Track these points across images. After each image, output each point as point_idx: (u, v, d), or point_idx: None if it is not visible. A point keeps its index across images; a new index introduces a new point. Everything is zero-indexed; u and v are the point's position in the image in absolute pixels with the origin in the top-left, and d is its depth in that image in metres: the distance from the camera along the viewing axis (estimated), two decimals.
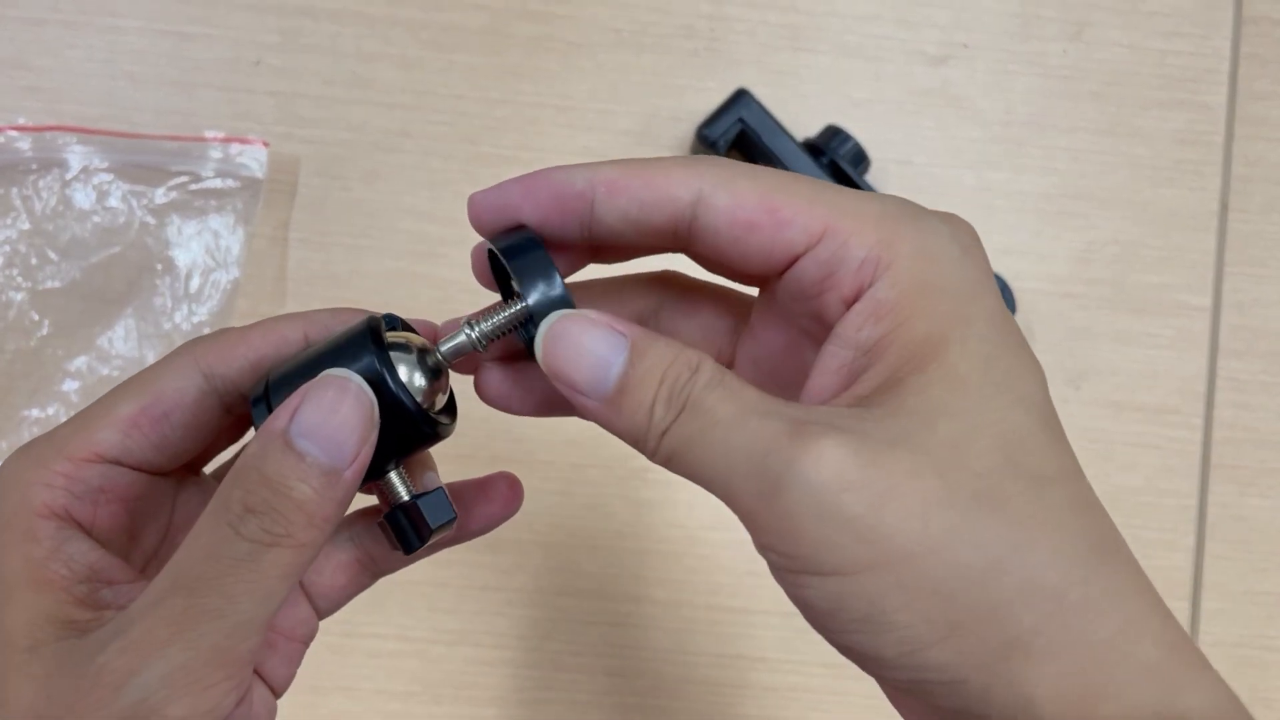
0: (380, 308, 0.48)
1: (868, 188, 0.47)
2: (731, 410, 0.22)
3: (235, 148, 0.47)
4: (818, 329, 0.24)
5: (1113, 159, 0.50)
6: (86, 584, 0.25)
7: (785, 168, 0.46)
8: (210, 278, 0.47)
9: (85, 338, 0.47)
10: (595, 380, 0.23)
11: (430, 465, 0.29)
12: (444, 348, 0.25)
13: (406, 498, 0.26)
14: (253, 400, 0.25)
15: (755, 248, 0.24)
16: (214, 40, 0.49)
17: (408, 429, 0.24)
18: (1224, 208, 0.50)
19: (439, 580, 0.47)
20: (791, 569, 0.22)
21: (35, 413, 0.46)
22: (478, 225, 0.25)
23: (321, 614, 0.29)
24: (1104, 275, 0.50)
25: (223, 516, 0.22)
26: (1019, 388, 0.22)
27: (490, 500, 0.29)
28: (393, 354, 0.24)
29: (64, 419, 0.46)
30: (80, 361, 0.47)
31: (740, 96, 0.47)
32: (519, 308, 0.24)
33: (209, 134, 0.47)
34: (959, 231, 0.24)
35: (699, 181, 0.24)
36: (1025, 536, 0.21)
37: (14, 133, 0.46)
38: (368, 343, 0.24)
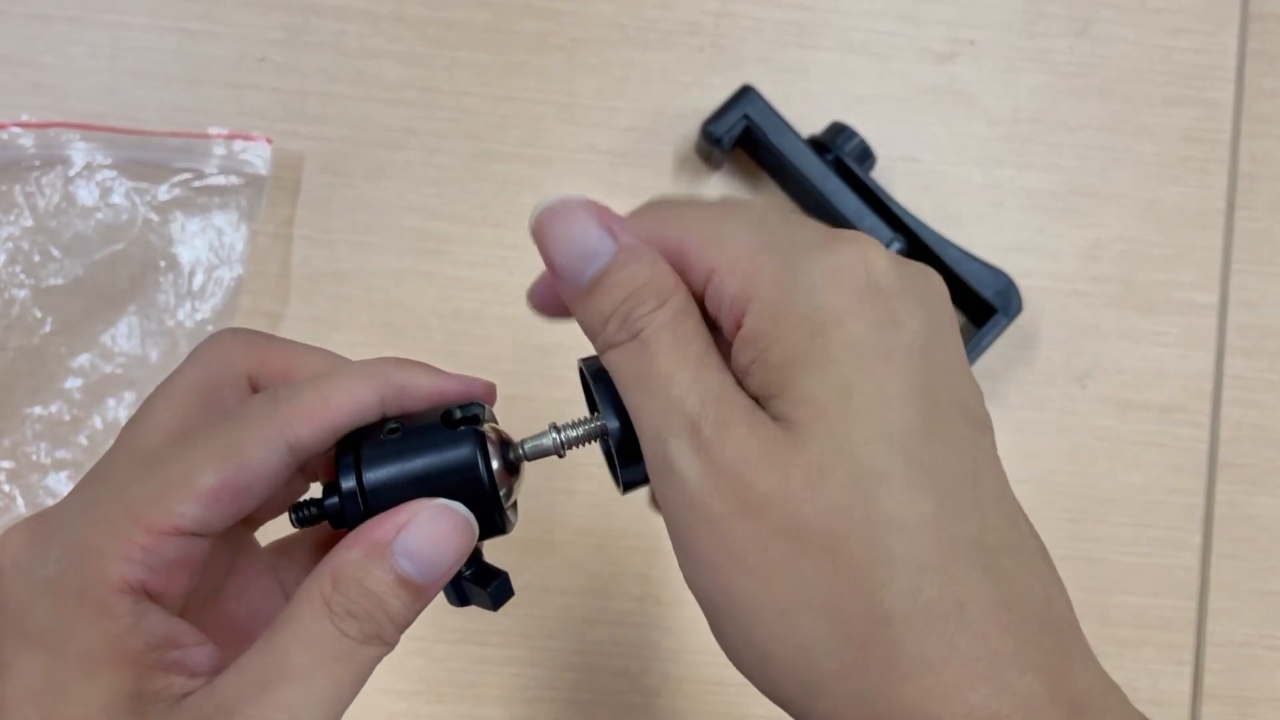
0: (383, 304, 0.48)
1: (873, 185, 0.47)
2: (667, 366, 0.23)
3: (239, 144, 0.47)
4: None
5: (1119, 156, 0.50)
6: (158, 652, 0.25)
7: (791, 164, 0.46)
8: (214, 275, 0.47)
9: (88, 335, 0.47)
10: (573, 269, 0.25)
11: None
12: (528, 446, 0.27)
13: (468, 572, 0.27)
14: (339, 470, 0.26)
15: (692, 288, 0.25)
16: (218, 37, 0.48)
17: (486, 525, 0.26)
18: (1231, 205, 0.50)
19: None
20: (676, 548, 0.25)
21: (38, 410, 0.46)
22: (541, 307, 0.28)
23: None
24: (1110, 273, 0.50)
25: (324, 613, 0.24)
26: (880, 419, 0.22)
27: None
28: (489, 449, 0.26)
29: (67, 417, 0.46)
30: (83, 359, 0.47)
31: (745, 93, 0.46)
32: (596, 424, 0.27)
33: (213, 130, 0.47)
34: (833, 258, 0.23)
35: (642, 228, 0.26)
36: (851, 591, 0.21)
37: (17, 129, 0.46)
38: (478, 473, 0.26)
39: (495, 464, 0.26)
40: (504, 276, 0.49)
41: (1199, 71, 0.50)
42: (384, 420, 0.27)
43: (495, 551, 0.47)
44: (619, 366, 0.24)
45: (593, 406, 0.28)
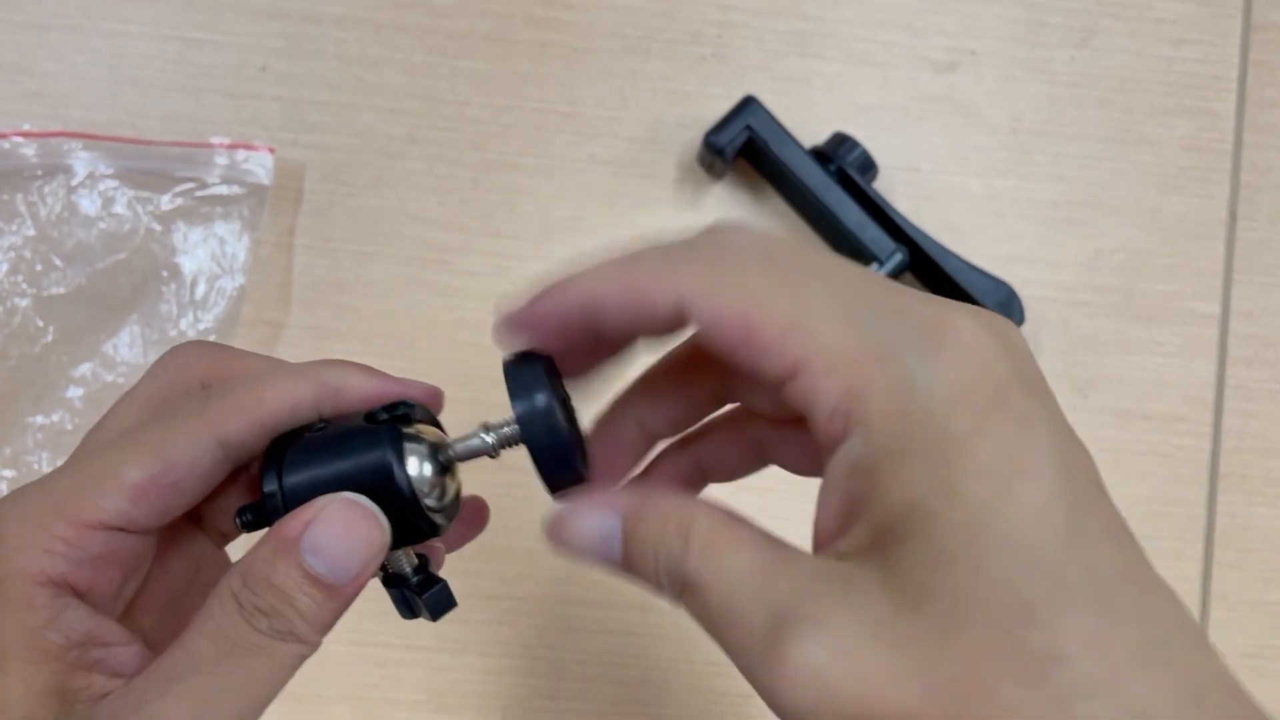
0: (384, 314, 0.48)
1: (875, 195, 0.47)
2: (722, 601, 0.22)
3: (241, 154, 0.47)
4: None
5: (1120, 166, 0.50)
6: (79, 649, 0.24)
7: (793, 175, 0.46)
8: (216, 284, 0.47)
9: (90, 344, 0.47)
10: (605, 556, 0.24)
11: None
12: (458, 447, 0.26)
13: (411, 577, 0.27)
14: (263, 471, 0.25)
15: (745, 367, 0.22)
16: (219, 46, 0.48)
17: (409, 527, 0.25)
18: (1232, 215, 0.50)
19: None
20: None
21: (40, 419, 0.46)
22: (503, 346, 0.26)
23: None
24: (1112, 283, 0.50)
25: (233, 609, 0.23)
26: (1017, 546, 0.19)
27: (460, 521, 0.30)
28: (407, 448, 0.25)
29: (69, 426, 0.46)
30: (85, 368, 0.46)
31: (748, 103, 0.46)
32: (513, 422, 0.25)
33: (215, 140, 0.47)
34: (947, 361, 0.21)
35: (678, 291, 0.23)
36: None
37: (19, 138, 0.46)
38: (390, 465, 0.25)
39: (418, 464, 0.25)
40: (505, 286, 0.49)
41: (1200, 82, 0.50)
42: (314, 422, 0.26)
43: (494, 562, 0.47)
44: (695, 617, 0.23)
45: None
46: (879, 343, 0.21)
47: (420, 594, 0.26)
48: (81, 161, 0.47)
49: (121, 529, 0.25)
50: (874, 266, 0.46)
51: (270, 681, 0.24)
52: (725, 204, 0.49)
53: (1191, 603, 0.49)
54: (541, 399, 0.25)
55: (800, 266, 0.23)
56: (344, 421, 0.26)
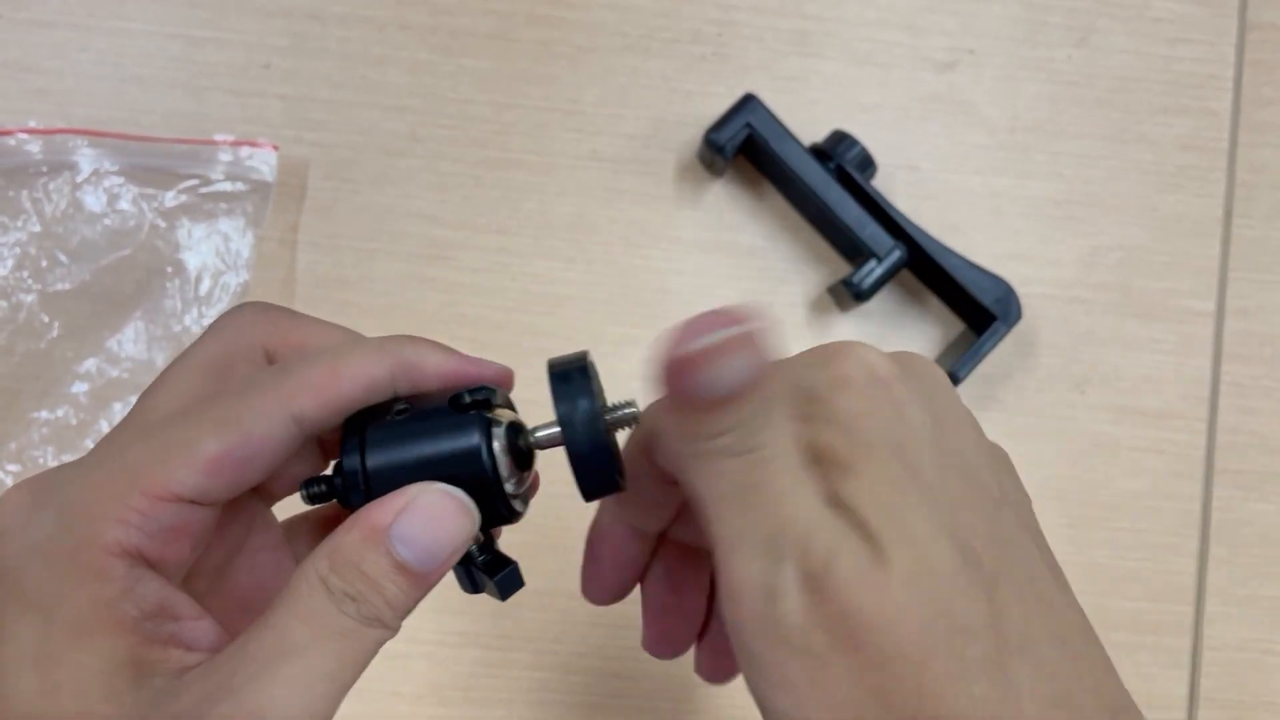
0: (388, 310, 0.48)
1: (874, 193, 0.47)
2: (782, 483, 0.23)
3: (245, 151, 0.47)
4: None
5: (1118, 165, 0.50)
6: (153, 621, 0.24)
7: (792, 172, 0.46)
8: (220, 280, 0.47)
9: (95, 340, 0.47)
10: (719, 375, 0.23)
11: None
12: (539, 434, 0.26)
13: (478, 555, 0.27)
14: (343, 448, 0.25)
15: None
16: (223, 44, 0.49)
17: (491, 513, 0.26)
18: (1228, 214, 0.51)
19: (446, 582, 0.47)
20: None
21: (45, 414, 0.47)
22: None
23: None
24: (1109, 280, 0.50)
25: (323, 593, 0.24)
26: (940, 519, 0.22)
27: None
28: (494, 433, 0.25)
29: (74, 421, 0.47)
30: (90, 364, 0.47)
31: (748, 101, 0.47)
32: (624, 413, 0.27)
33: (219, 137, 0.47)
34: (833, 369, 0.24)
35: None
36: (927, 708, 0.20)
37: (24, 135, 0.47)
38: (479, 455, 0.25)
39: (501, 451, 0.25)
40: (507, 282, 0.49)
41: (1197, 81, 0.50)
42: (394, 400, 0.26)
43: (501, 545, 0.47)
44: (728, 477, 0.23)
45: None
46: (784, 365, 0.24)
47: (490, 575, 0.27)
48: (86, 158, 0.47)
49: (194, 501, 0.25)
50: (872, 263, 0.46)
51: (357, 666, 0.24)
52: (725, 202, 0.50)
53: (1187, 597, 0.49)
54: (585, 406, 0.25)
55: None
56: (425, 403, 0.26)
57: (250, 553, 0.29)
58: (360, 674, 0.24)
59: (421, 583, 0.24)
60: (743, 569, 0.22)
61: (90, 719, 0.23)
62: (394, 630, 0.24)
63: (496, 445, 0.25)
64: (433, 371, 0.27)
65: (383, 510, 0.24)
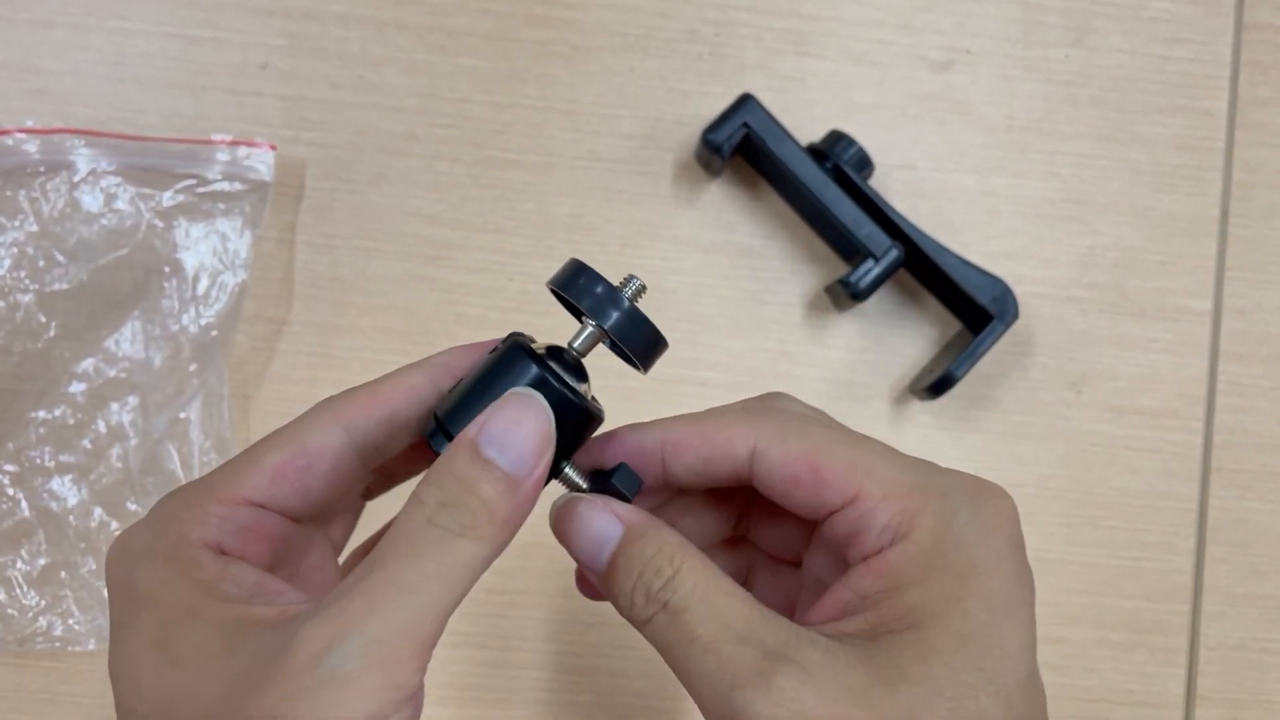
0: (385, 310, 0.49)
1: (871, 192, 0.47)
2: (708, 631, 0.25)
3: (242, 150, 0.47)
4: (837, 566, 0.28)
5: (1114, 164, 0.50)
6: (257, 598, 0.26)
7: (790, 172, 0.46)
8: (218, 280, 0.47)
9: (92, 340, 0.47)
10: (590, 556, 0.27)
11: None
12: (577, 343, 0.28)
13: (586, 486, 0.28)
14: (428, 435, 0.28)
15: (799, 500, 0.27)
16: (221, 44, 0.49)
17: (577, 422, 0.27)
18: (1224, 213, 0.51)
19: None
20: None
21: (43, 414, 0.47)
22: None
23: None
24: (1105, 280, 0.50)
25: (418, 510, 0.25)
26: (992, 670, 0.24)
27: None
28: (540, 352, 0.27)
29: (71, 421, 0.47)
30: (87, 363, 0.47)
31: (745, 101, 0.47)
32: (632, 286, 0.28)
33: (216, 137, 0.47)
34: (986, 510, 0.26)
35: (754, 437, 0.28)
36: None
37: (22, 135, 0.47)
38: (527, 359, 0.27)
39: (556, 365, 0.27)
40: (505, 282, 0.49)
41: (1193, 81, 0.51)
42: None
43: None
44: (659, 640, 0.26)
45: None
46: (931, 487, 0.26)
47: (606, 483, 0.28)
48: (84, 158, 0.47)
49: (264, 506, 0.27)
50: (869, 263, 0.46)
51: (444, 580, 0.24)
52: (722, 201, 0.50)
53: (1183, 596, 0.50)
54: (603, 291, 0.28)
55: (855, 433, 0.28)
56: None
57: (304, 577, 0.30)
58: (455, 592, 0.24)
59: (516, 488, 0.25)
60: (711, 709, 0.25)
61: (212, 677, 0.24)
62: (490, 543, 0.25)
63: (549, 361, 0.27)
64: (466, 361, 0.29)
65: (470, 425, 0.25)
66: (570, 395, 0.27)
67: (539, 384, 0.26)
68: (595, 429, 0.28)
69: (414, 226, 0.49)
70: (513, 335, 0.28)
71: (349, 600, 0.23)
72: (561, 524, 0.28)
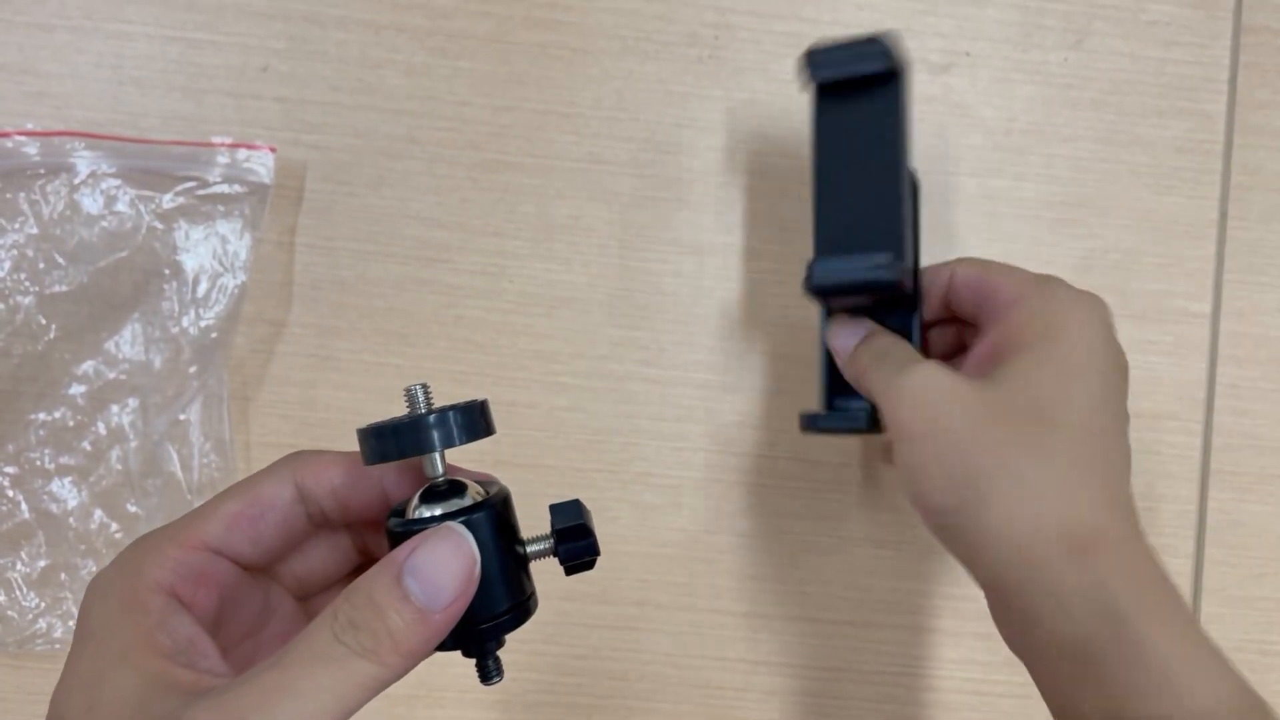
0: (385, 312, 0.49)
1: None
2: (896, 363, 0.37)
3: (242, 153, 0.47)
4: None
5: (1113, 167, 0.50)
6: (184, 654, 0.28)
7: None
8: (217, 282, 0.47)
9: (92, 342, 0.47)
10: (843, 351, 0.40)
11: None
12: (530, 549, 0.32)
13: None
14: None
15: (971, 302, 0.40)
16: (221, 46, 0.49)
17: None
18: (1223, 216, 0.51)
19: None
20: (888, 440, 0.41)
21: (42, 416, 0.47)
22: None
23: (300, 591, 0.34)
24: (1104, 282, 0.50)
25: (329, 623, 0.26)
26: (1061, 392, 0.35)
27: None
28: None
29: (71, 423, 0.47)
30: (87, 365, 0.47)
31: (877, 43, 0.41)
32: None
33: (216, 139, 0.47)
34: (1081, 297, 0.39)
35: (953, 265, 0.41)
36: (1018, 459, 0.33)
37: (21, 138, 0.47)
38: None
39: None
40: (504, 285, 0.49)
41: (1192, 83, 0.51)
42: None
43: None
44: (870, 378, 0.38)
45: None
46: (1044, 280, 0.39)
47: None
48: (84, 160, 0.47)
49: (219, 551, 0.30)
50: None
51: (337, 693, 0.25)
52: (721, 204, 0.50)
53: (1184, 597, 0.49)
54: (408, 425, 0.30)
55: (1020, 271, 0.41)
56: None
57: (270, 636, 0.32)
58: (343, 709, 0.25)
59: (426, 621, 0.26)
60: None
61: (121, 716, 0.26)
62: (389, 669, 0.26)
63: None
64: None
65: (404, 546, 0.27)
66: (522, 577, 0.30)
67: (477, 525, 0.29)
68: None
69: (413, 229, 0.49)
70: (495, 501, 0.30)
71: (241, 694, 0.25)
72: (831, 339, 0.41)
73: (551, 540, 0.31)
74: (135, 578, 0.29)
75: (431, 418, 0.29)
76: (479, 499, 0.30)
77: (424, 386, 0.31)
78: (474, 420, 0.30)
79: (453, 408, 0.30)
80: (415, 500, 0.30)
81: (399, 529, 0.29)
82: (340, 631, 0.26)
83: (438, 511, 0.29)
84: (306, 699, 0.25)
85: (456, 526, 0.28)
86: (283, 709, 0.25)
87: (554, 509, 0.32)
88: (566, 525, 0.31)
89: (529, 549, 0.31)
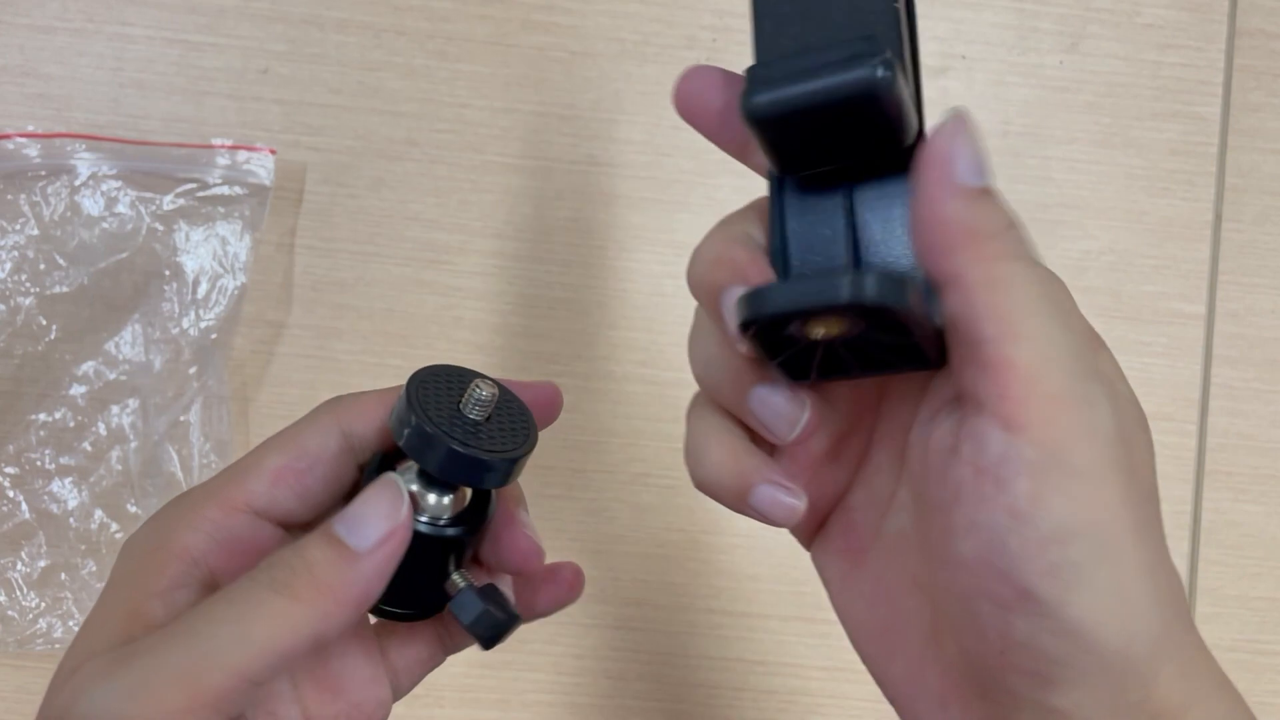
0: (385, 314, 0.49)
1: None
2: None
3: (242, 155, 0.47)
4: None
5: (1108, 169, 0.51)
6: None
7: None
8: (217, 284, 0.47)
9: (93, 343, 0.47)
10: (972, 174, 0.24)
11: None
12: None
13: (466, 585, 0.29)
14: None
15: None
16: (221, 49, 0.49)
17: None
18: (1218, 218, 0.51)
19: None
20: None
21: (43, 417, 0.47)
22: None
23: (399, 692, 0.32)
24: (1099, 284, 0.50)
25: (264, 564, 0.25)
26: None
27: (557, 585, 0.32)
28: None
29: (71, 424, 0.47)
30: (88, 366, 0.47)
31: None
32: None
33: (216, 141, 0.48)
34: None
35: None
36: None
37: (23, 139, 0.47)
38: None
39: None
40: (504, 286, 0.49)
41: (1187, 86, 0.51)
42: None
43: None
44: (1027, 279, 0.23)
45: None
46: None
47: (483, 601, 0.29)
48: (84, 162, 0.47)
49: (265, 512, 0.28)
50: None
51: (234, 634, 0.23)
52: (720, 205, 0.50)
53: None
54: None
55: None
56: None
57: (341, 641, 0.30)
58: (272, 653, 0.24)
59: (349, 559, 0.25)
60: (1054, 379, 0.23)
61: (87, 663, 0.25)
62: (310, 607, 0.24)
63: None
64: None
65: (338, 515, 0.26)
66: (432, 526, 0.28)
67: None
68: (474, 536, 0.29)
69: (413, 231, 0.49)
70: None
71: (152, 638, 0.24)
72: (952, 138, 0.23)
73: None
74: (162, 541, 0.27)
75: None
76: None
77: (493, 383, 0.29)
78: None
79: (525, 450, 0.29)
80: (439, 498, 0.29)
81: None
82: (257, 571, 0.25)
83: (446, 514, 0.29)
84: (202, 639, 0.23)
85: (394, 476, 0.27)
86: (174, 649, 0.23)
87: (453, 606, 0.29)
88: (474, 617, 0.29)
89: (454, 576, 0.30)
